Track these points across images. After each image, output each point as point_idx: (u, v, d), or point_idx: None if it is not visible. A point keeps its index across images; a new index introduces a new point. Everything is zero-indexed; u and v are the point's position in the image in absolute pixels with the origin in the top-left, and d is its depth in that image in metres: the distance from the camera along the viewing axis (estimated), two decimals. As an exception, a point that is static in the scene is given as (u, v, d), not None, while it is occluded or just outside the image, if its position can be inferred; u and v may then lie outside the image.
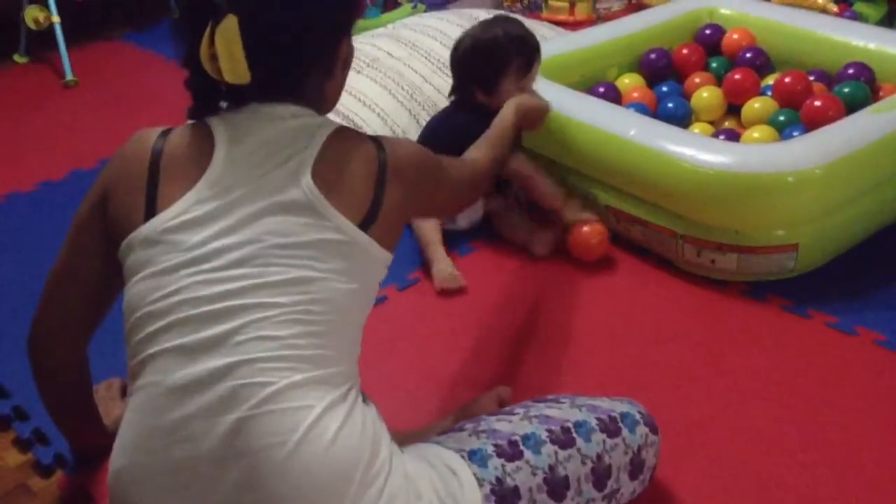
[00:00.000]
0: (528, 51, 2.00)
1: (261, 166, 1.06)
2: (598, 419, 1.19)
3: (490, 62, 1.98)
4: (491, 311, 1.85)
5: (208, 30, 1.03)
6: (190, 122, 1.14)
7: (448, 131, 2.02)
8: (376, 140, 1.15)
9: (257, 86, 1.07)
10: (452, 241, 2.03)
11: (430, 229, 1.97)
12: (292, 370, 0.99)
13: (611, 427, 1.19)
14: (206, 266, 1.01)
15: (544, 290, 1.90)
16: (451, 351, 1.73)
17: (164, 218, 1.04)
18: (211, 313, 1.00)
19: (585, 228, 1.96)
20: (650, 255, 1.97)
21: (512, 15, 2.20)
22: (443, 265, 1.90)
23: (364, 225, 1.07)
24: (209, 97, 1.13)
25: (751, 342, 1.70)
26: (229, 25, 1.02)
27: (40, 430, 1.56)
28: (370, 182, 1.09)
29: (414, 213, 1.19)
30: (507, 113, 1.76)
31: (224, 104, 1.14)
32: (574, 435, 1.15)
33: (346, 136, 1.12)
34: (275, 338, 0.99)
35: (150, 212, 1.06)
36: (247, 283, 1.01)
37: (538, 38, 1.98)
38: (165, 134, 1.12)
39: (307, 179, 1.05)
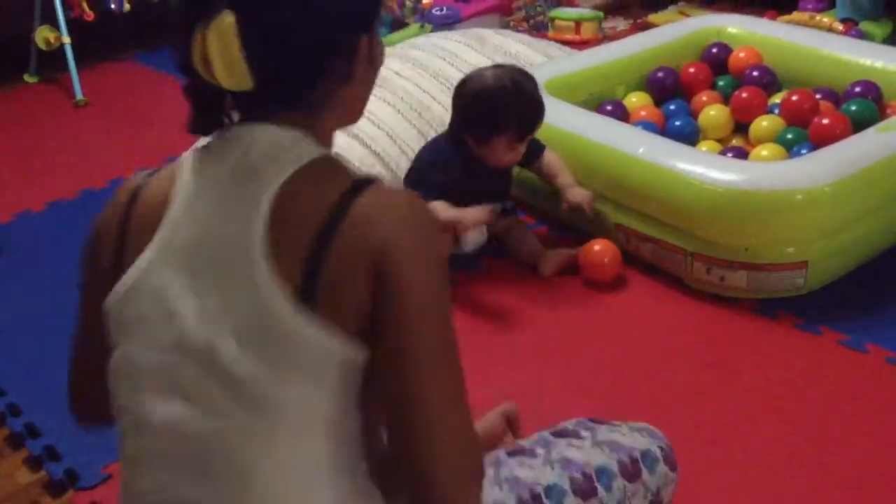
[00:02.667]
0: (531, 118, 1.88)
1: (209, 219, 0.89)
2: (619, 462, 1.20)
3: (488, 117, 1.87)
4: (499, 330, 1.85)
5: (200, 28, 0.87)
6: (173, 160, 0.99)
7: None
8: (358, 181, 0.87)
9: (263, 93, 0.90)
10: (460, 260, 2.00)
11: None
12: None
13: (631, 470, 1.20)
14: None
15: (553, 309, 1.90)
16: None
17: (119, 288, 0.91)
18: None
19: (597, 248, 1.96)
20: (660, 273, 1.97)
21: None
22: None
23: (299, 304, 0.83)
24: (211, 107, 0.95)
25: (762, 359, 1.70)
26: (225, 23, 0.86)
27: (52, 447, 1.57)
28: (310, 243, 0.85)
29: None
30: None
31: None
32: (596, 484, 1.16)
33: (314, 174, 0.89)
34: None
35: (116, 278, 0.92)
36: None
37: (545, 57, 1.96)
38: (150, 176, 0.98)
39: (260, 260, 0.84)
